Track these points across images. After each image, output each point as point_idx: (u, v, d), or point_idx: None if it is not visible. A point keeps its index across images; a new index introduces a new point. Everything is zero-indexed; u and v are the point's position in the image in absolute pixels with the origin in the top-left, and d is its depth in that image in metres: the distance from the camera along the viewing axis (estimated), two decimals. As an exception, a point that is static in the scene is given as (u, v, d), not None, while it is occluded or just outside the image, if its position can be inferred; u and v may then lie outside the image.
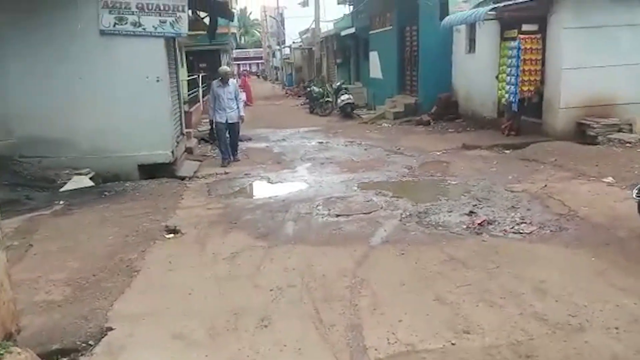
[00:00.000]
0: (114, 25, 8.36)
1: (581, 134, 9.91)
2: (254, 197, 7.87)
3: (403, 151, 10.58)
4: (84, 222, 6.51)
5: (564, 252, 4.69)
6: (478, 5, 12.61)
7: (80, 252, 5.47)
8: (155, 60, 8.81)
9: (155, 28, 8.46)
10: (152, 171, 9.10)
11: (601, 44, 9.80)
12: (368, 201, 6.82)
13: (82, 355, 3.43)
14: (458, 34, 14.45)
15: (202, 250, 5.32)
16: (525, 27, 10.61)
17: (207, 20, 13.14)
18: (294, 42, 39.55)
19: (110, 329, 3.74)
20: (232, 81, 10.55)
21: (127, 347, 3.49)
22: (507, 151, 9.79)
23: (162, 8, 8.51)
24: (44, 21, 8.31)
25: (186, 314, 3.90)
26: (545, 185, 6.98)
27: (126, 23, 8.41)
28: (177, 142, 9.90)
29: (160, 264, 4.99)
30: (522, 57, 10.24)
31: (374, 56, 19.61)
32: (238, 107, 10.37)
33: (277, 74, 51.35)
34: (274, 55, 53.44)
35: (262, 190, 8.21)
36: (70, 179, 8.52)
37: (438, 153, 10.16)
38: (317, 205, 6.72)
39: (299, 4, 43.22)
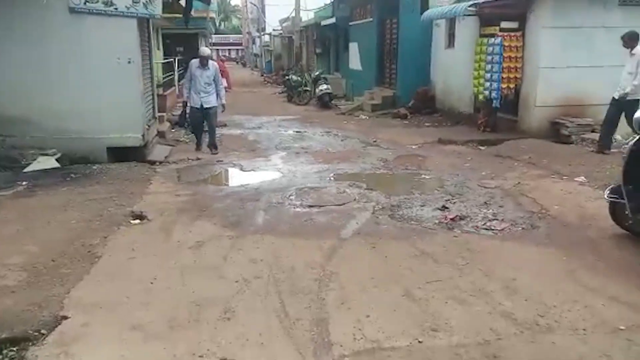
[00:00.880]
0: (85, 3, 8.04)
1: (555, 132, 9.97)
2: (225, 185, 7.70)
3: (379, 144, 10.50)
4: (46, 205, 6.26)
5: (535, 251, 4.66)
6: (459, 0, 12.56)
7: (41, 236, 5.25)
8: (127, 42, 8.52)
9: (128, 8, 8.17)
10: (121, 154, 8.84)
11: (578, 44, 9.85)
12: (341, 193, 6.72)
13: (32, 344, 3.25)
14: (438, 28, 14.42)
15: (167, 238, 5.14)
16: (504, 24, 10.61)
17: (183, 3, 12.81)
18: (274, 30, 39.15)
19: (65, 317, 3.56)
20: (213, 64, 9.81)
21: (81, 337, 3.32)
22: (482, 147, 9.79)
23: (135, -13, 8.23)
24: (9, -7, 7.97)
25: (146, 304, 3.74)
26: (519, 183, 6.98)
27: (97, 1, 8.08)
28: (149, 126, 9.63)
29: (123, 250, 4.80)
30: (503, 55, 10.22)
31: (353, 47, 19.47)
32: (217, 93, 9.66)
33: (256, 60, 50.82)
34: (253, 42, 52.85)
35: (234, 178, 8.04)
36: (35, 159, 8.23)
37: (414, 147, 10.11)
38: (290, 195, 6.60)
39: (281, -9, 42.73)
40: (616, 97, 8.45)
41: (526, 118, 10.42)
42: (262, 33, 43.94)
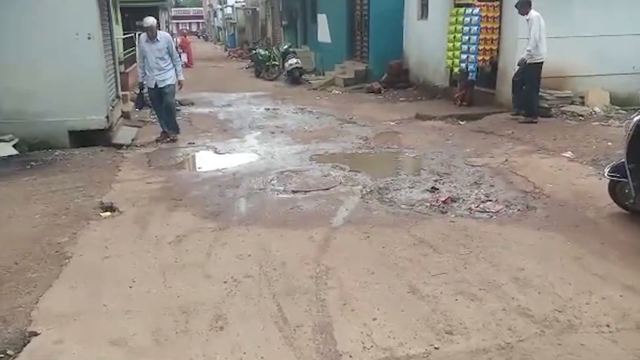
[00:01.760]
0: (39, -26, 7.36)
1: (534, 105, 9.81)
2: (200, 170, 7.24)
3: (356, 120, 10.16)
4: (5, 198, 5.75)
5: (536, 236, 4.44)
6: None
7: (0, 234, 4.77)
8: (86, 16, 7.93)
9: (86, -21, 7.52)
10: (85, 138, 8.30)
11: (557, 14, 9.59)
12: (325, 176, 6.37)
13: (-2, 369, 2.85)
14: (411, -2, 14.01)
15: (143, 232, 4.73)
16: (482, -6, 10.30)
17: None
18: (236, 2, 37.97)
19: (35, 333, 3.15)
20: (164, 35, 8.43)
21: (54, 357, 2.93)
22: (462, 122, 9.56)
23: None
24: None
25: (127, 313, 3.36)
26: (506, 160, 6.77)
27: (52, -28, 7.42)
28: (113, 107, 9.05)
29: (95, 249, 4.38)
30: (480, 26, 9.94)
31: (322, 19, 18.92)
32: (175, 69, 8.34)
33: (219, 34, 49.41)
34: (215, 15, 51.33)
35: (208, 161, 7.58)
36: (-11, 146, 7.61)
37: (392, 123, 9.81)
38: (271, 180, 6.22)
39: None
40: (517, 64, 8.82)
41: (504, 91, 10.19)
42: (224, 5, 42.61)
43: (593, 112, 9.33)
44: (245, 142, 8.52)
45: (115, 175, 6.54)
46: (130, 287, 3.71)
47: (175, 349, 2.98)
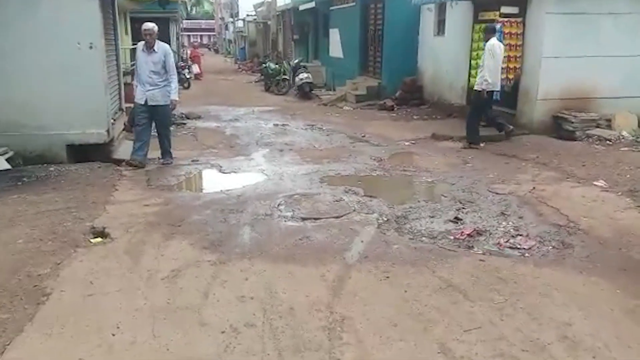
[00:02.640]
0: (40, -21, 6.97)
1: (557, 127, 9.31)
2: (202, 191, 6.76)
3: (369, 139, 9.68)
4: (-11, 219, 5.27)
5: (579, 281, 3.90)
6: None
7: (-22, 262, 4.28)
8: (88, 24, 7.49)
9: (89, -15, 7.12)
10: (83, 153, 7.84)
11: (583, 32, 9.15)
12: (337, 201, 5.86)
13: None
14: (426, 13, 13.59)
15: (134, 264, 4.22)
16: (504, 10, 9.85)
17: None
18: (248, 15, 37.81)
19: (-6, 395, 2.66)
20: (162, 46, 7.32)
21: None
22: (481, 144, 9.04)
23: (96, -38, 7.17)
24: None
25: (106, 371, 2.85)
26: (534, 188, 6.24)
27: (54, -23, 7.03)
28: (114, 120, 8.61)
29: (79, 284, 3.87)
30: (503, 43, 9.46)
31: (334, 33, 18.54)
32: (170, 85, 7.31)
33: (229, 47, 49.31)
34: (226, 28, 51.33)
35: (212, 182, 7.09)
36: (-18, 159, 7.17)
37: (407, 143, 9.32)
38: (279, 205, 5.72)
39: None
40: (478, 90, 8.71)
41: (526, 112, 9.71)
42: (235, 18, 42.50)
43: (621, 137, 8.80)
44: (252, 160, 8.04)
45: (111, 196, 6.05)
46: (113, 334, 3.20)
47: (159, 423, 2.46)
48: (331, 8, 18.57)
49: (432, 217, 5.38)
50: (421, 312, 3.42)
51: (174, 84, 7.39)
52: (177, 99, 7.59)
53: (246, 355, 2.97)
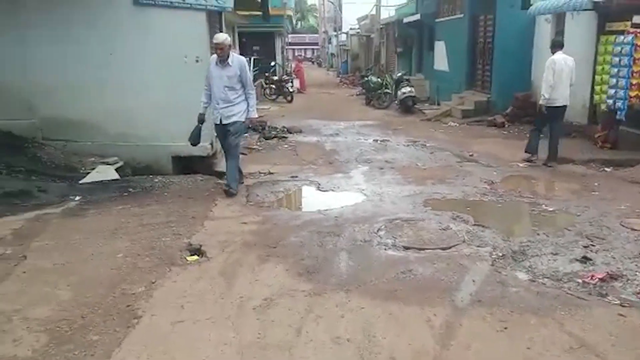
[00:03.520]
0: (149, -6, 7.18)
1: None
2: (300, 210, 6.52)
3: (477, 158, 9.01)
4: (94, 229, 5.36)
5: None
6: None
7: (79, 274, 4.32)
8: (195, 38, 7.63)
9: (197, 0, 7.21)
10: (187, 164, 8.00)
11: None
12: (444, 229, 5.35)
13: None
14: (543, 24, 12.61)
15: (227, 288, 4.02)
16: (636, 19, 8.79)
17: (259, -1, 11.86)
18: (351, 29, 37.97)
19: None
20: (238, 59, 6.59)
21: None
22: (608, 169, 8.08)
23: (205, -23, 7.27)
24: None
25: (188, 414, 2.61)
26: (679, 225, 5.34)
27: (163, -8, 7.21)
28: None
29: (170, 307, 3.73)
30: (633, 56, 8.46)
31: (439, 46, 17.87)
32: (247, 103, 6.59)
33: (332, 60, 49.81)
34: (329, 42, 51.94)
35: (310, 200, 6.85)
36: (94, 168, 7.48)
37: (520, 165, 8.54)
38: (378, 230, 5.32)
39: (359, -12, 41.42)
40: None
41: (660, 133, 8.56)
42: (338, 32, 42.85)
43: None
44: (351, 178, 7.72)
45: (210, 211, 5.99)
46: (199, 370, 2.97)
47: None
48: (437, 20, 17.95)
49: (555, 254, 4.72)
50: (549, 378, 2.87)
51: (252, 100, 6.66)
52: (256, 115, 6.89)
53: (341, 413, 2.61)
